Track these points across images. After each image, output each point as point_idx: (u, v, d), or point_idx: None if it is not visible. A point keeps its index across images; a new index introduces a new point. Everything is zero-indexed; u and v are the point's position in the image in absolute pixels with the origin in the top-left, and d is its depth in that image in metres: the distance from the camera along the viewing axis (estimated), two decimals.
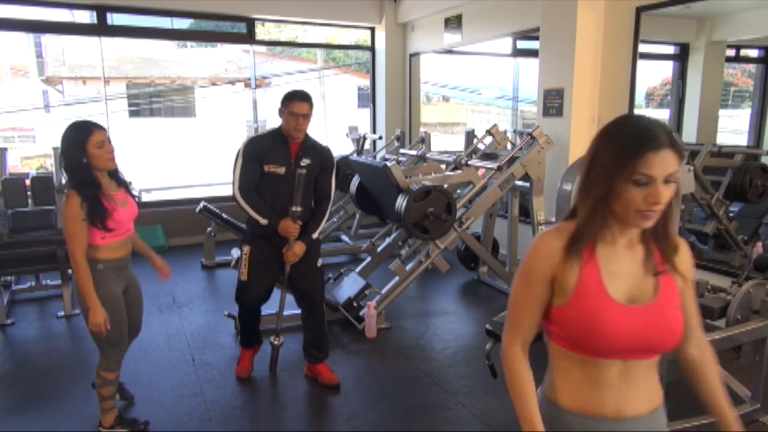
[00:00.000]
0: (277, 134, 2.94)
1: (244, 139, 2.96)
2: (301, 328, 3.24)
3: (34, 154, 13.77)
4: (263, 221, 2.86)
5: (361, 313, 3.88)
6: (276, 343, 3.18)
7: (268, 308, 4.02)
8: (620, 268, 1.14)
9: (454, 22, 6.06)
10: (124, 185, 2.53)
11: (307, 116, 2.86)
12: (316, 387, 3.12)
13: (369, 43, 7.32)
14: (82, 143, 2.28)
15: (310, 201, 3.00)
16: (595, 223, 1.11)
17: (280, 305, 3.22)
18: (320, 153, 2.99)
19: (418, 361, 3.43)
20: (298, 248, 2.90)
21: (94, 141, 2.30)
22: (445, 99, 14.16)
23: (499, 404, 2.91)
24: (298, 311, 4.09)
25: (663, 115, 5.42)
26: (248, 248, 2.99)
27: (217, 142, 14.09)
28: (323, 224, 3.01)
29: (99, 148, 2.31)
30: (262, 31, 7.12)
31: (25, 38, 14.35)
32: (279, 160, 2.88)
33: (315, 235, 2.98)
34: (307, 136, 2.96)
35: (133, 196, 2.59)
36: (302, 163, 2.87)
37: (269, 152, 2.89)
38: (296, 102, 2.84)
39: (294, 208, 2.82)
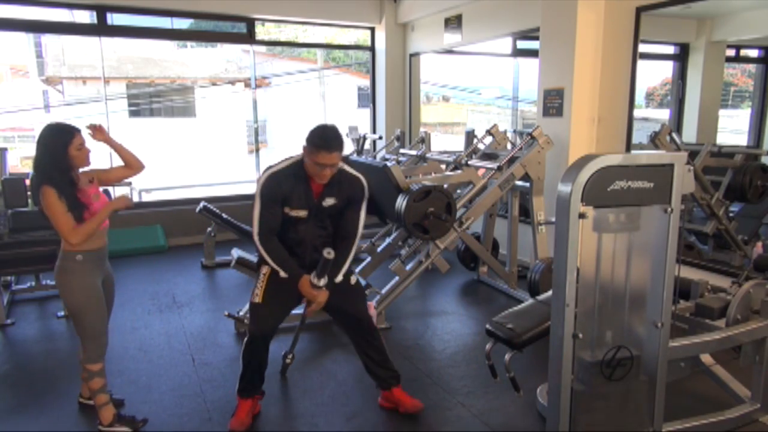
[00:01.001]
0: (298, 171, 2.58)
1: (262, 176, 2.59)
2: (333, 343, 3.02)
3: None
4: (283, 274, 2.57)
5: None
6: (288, 361, 3.18)
7: None
8: None
9: (454, 22, 6.06)
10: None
11: (335, 165, 2.51)
12: (316, 387, 3.11)
13: (369, 43, 7.32)
14: (65, 146, 2.41)
15: (330, 241, 2.71)
16: None
17: (297, 334, 3.18)
18: (348, 185, 2.66)
19: (418, 361, 3.43)
20: (322, 297, 2.61)
21: (76, 144, 2.44)
22: (445, 99, 14.15)
23: (499, 404, 2.91)
24: (299, 311, 4.10)
25: (663, 115, 5.42)
26: (268, 270, 2.65)
27: (217, 142, 14.11)
28: (347, 265, 2.69)
29: (80, 150, 2.45)
30: (262, 31, 7.12)
31: (25, 38, 14.34)
32: (300, 204, 2.58)
33: (339, 279, 2.65)
34: (337, 171, 2.61)
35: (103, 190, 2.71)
36: (325, 204, 2.62)
37: (290, 194, 2.57)
38: (324, 153, 2.45)
39: (316, 282, 2.53)
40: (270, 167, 2.62)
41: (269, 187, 2.57)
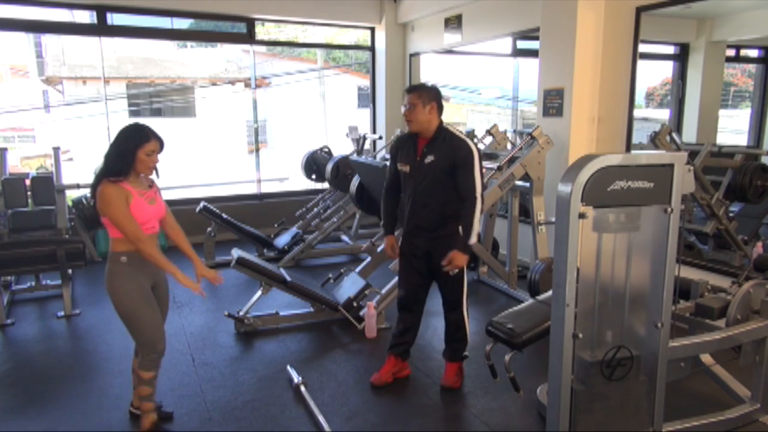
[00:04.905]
0: (412, 133, 2.96)
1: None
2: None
3: (34, 154, 13.74)
4: (382, 225, 3.13)
5: (361, 313, 3.88)
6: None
7: (267, 308, 4.03)
8: None
9: (454, 22, 6.06)
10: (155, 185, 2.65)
11: (414, 106, 2.84)
12: (316, 387, 3.11)
13: (369, 43, 7.32)
14: (136, 146, 2.42)
15: (439, 201, 2.86)
16: None
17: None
18: (449, 147, 2.81)
19: (418, 361, 3.43)
20: (459, 260, 2.79)
21: (147, 148, 2.44)
22: (445, 99, 14.18)
23: (499, 404, 2.91)
24: (299, 311, 4.09)
25: (663, 115, 5.43)
26: (400, 241, 3.10)
27: (217, 142, 14.10)
28: (476, 224, 2.78)
29: (148, 156, 2.45)
30: (262, 31, 7.11)
31: (25, 38, 14.34)
32: (405, 158, 2.93)
33: (473, 240, 2.77)
34: (443, 131, 2.86)
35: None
36: (426, 161, 2.84)
37: (402, 151, 2.97)
38: (404, 93, 2.96)
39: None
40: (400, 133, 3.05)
41: (392, 147, 3.09)
